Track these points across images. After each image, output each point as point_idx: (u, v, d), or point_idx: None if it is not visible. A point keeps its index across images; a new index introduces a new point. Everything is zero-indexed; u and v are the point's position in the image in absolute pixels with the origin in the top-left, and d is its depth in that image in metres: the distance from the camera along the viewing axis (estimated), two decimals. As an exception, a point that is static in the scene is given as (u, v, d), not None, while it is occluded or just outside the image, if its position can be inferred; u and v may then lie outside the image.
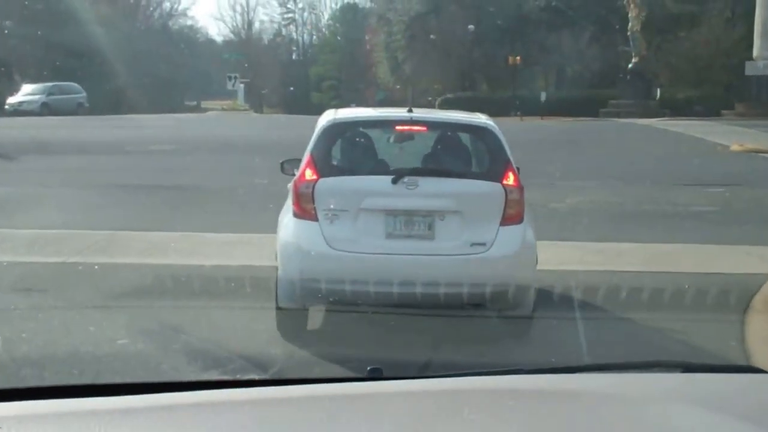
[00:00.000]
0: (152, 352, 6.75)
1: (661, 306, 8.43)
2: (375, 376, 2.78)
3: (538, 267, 7.67)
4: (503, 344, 7.56)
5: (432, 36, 57.95)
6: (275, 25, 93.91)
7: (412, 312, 7.34)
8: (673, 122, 40.03)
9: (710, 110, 45.14)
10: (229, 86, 73.16)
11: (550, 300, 8.49)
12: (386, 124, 8.46)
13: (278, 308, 7.46)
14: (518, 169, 7.63)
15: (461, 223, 7.34)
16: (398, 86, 62.35)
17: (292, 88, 72.92)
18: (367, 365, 2.81)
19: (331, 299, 7.36)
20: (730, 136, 30.64)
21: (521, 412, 2.51)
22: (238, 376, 5.17)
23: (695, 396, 2.60)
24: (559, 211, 14.25)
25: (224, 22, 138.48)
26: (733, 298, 8.73)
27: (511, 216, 7.38)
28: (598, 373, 2.93)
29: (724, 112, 45.66)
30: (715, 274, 9.89)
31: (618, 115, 45.16)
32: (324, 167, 7.51)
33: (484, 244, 7.28)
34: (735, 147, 27.38)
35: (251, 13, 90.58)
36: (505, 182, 7.43)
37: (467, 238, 7.29)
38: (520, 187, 7.47)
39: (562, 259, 10.09)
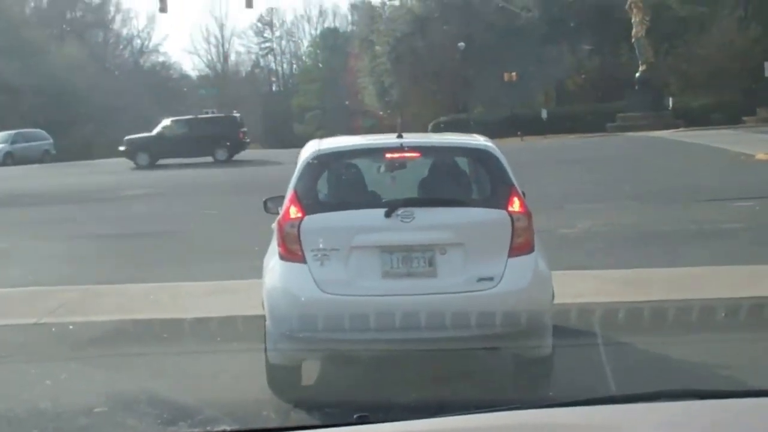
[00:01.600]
0: (128, 413, 6.61)
1: (695, 336, 8.23)
2: (362, 421, 2.73)
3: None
4: (516, 387, 7.36)
5: (418, 56, 57.92)
6: (252, 56, 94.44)
7: (410, 349, 7.16)
8: (690, 133, 40.04)
9: (729, 118, 45.05)
10: (206, 123, 73.19)
11: (571, 337, 8.24)
12: (375, 153, 8.30)
13: (268, 361, 7.27)
14: (524, 193, 7.47)
15: (465, 256, 7.17)
16: (387, 112, 62.40)
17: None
18: (356, 412, 2.77)
19: (325, 349, 7.17)
20: (755, 144, 30.46)
21: None
22: (209, 428, 5.07)
23: (703, 423, 2.61)
24: (570, 237, 14.11)
25: (198, 55, 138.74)
26: None
27: (520, 245, 7.20)
28: (601, 406, 2.91)
29: (745, 118, 45.54)
30: (751, 299, 9.60)
31: (627, 128, 45.13)
32: (310, 203, 7.36)
33: (491, 279, 7.10)
34: (761, 156, 27.12)
35: (226, 45, 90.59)
36: (510, 208, 7.26)
37: (473, 273, 7.11)
38: (527, 212, 7.31)
39: (578, 290, 9.93)
